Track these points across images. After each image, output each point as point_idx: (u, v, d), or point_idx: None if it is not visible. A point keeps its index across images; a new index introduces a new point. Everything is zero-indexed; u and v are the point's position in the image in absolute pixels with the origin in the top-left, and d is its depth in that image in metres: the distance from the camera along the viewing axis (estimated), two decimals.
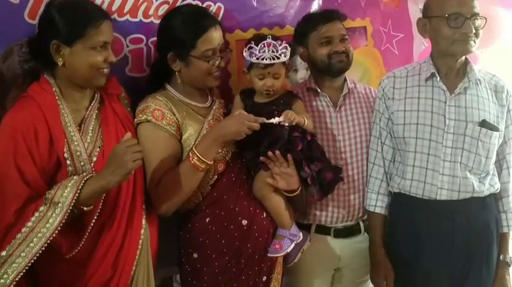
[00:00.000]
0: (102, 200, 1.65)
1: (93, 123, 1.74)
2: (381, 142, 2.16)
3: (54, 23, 1.66)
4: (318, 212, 2.18)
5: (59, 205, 1.53)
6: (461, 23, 1.93)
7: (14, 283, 1.51)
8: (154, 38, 2.10)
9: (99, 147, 1.72)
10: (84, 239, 1.64)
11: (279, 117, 1.88)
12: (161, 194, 1.84)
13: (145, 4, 2.09)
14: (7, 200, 1.56)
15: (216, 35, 1.93)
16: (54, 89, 1.70)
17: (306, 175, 1.93)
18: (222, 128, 1.86)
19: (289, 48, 1.93)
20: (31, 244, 1.52)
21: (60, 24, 1.66)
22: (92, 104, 1.78)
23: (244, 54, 1.95)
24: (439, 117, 2.01)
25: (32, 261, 1.53)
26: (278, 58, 1.89)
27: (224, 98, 2.17)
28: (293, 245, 1.99)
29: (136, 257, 1.75)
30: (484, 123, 1.99)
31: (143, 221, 1.78)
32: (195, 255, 1.96)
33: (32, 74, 1.81)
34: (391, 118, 2.11)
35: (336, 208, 2.18)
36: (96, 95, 1.81)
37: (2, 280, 1.49)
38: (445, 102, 2.02)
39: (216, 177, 1.94)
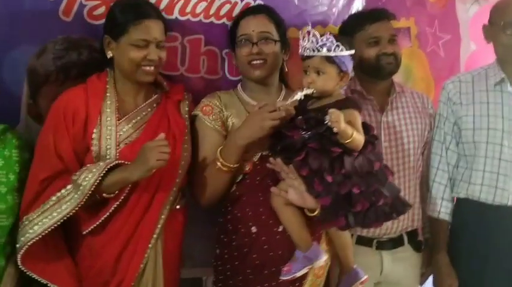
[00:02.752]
0: (127, 189, 1.73)
1: (139, 117, 1.83)
2: (445, 147, 2.15)
3: (108, 20, 1.84)
4: None
5: (81, 187, 1.64)
6: None
7: (27, 245, 1.64)
8: (190, 37, 2.10)
9: (133, 138, 1.80)
10: (101, 220, 1.73)
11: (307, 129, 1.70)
12: (198, 187, 1.90)
13: (181, 2, 2.06)
14: (39, 170, 1.71)
15: None
16: (107, 79, 1.84)
17: (314, 193, 1.70)
18: (241, 131, 1.81)
19: (336, 43, 1.71)
20: (49, 216, 1.65)
21: (110, 21, 1.82)
22: (146, 102, 1.87)
23: None
24: (510, 123, 2.02)
25: (47, 232, 1.66)
26: (318, 51, 1.73)
27: None
28: (305, 270, 1.76)
29: (146, 255, 1.77)
30: None
31: (158, 224, 1.78)
32: (218, 251, 1.93)
33: (64, 71, 1.93)
34: (458, 123, 2.12)
35: None
36: (155, 96, 1.91)
37: (21, 240, 1.65)
38: None
39: (242, 176, 1.88)
